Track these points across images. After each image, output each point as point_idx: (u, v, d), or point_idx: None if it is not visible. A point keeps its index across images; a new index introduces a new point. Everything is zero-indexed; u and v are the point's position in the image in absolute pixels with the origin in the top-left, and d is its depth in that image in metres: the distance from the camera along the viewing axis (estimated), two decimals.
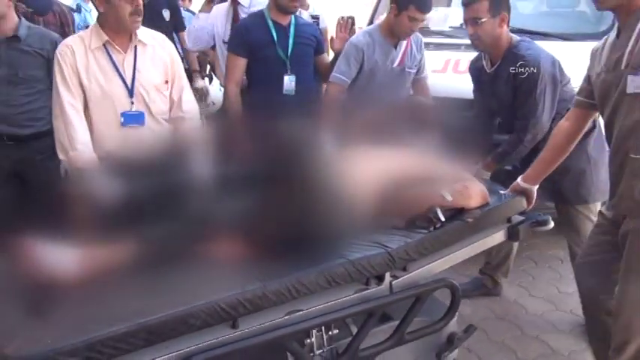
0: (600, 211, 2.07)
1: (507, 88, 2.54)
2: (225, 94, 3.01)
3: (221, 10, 3.34)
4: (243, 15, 3.23)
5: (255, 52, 2.93)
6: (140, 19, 2.28)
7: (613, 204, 1.91)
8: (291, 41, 2.94)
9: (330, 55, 3.29)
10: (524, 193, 2.19)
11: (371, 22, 4.08)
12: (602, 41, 1.97)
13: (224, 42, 3.27)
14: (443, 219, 1.87)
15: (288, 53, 2.93)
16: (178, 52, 3.69)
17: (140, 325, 1.37)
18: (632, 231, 1.81)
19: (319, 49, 3.13)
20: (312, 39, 3.06)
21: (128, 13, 2.22)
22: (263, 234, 1.67)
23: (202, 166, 1.80)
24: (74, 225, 1.61)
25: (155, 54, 2.40)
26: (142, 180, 1.71)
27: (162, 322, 1.40)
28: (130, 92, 2.31)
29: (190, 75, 3.77)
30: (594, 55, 1.99)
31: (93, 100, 2.29)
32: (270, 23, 2.92)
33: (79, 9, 4.47)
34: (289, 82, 2.90)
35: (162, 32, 3.57)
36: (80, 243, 1.58)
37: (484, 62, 2.67)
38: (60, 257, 1.53)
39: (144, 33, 2.38)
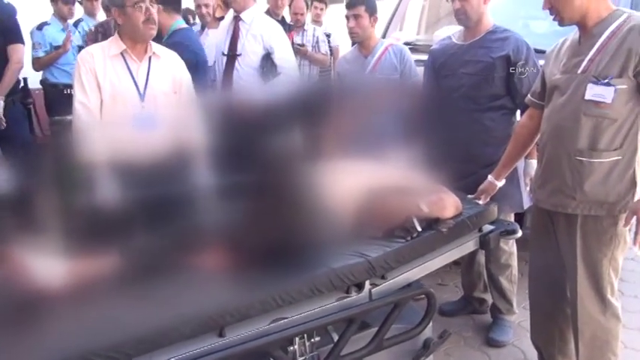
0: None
1: (482, 60, 2.56)
2: None
3: (224, 24, 3.42)
4: (244, 30, 3.31)
5: None
6: (154, 27, 2.49)
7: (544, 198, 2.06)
8: None
9: None
10: (490, 189, 2.33)
11: (383, 36, 4.20)
12: (559, 44, 2.10)
13: (223, 54, 3.36)
14: (419, 229, 1.95)
15: None
16: None
17: (129, 335, 1.40)
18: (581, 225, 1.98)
19: None
20: None
21: (142, 22, 2.43)
22: (249, 245, 1.72)
23: (194, 176, 1.84)
24: (58, 234, 1.62)
25: (167, 66, 2.60)
26: (136, 187, 1.74)
27: (151, 332, 1.42)
28: (142, 97, 2.50)
29: None
30: (550, 56, 2.11)
31: (107, 101, 2.47)
32: None
33: (40, 27, 4.44)
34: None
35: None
36: (67, 252, 1.59)
37: (453, 38, 2.71)
38: (46, 267, 1.54)
39: (159, 48, 2.61)
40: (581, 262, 1.99)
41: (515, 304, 2.83)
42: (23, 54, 3.60)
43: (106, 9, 4.13)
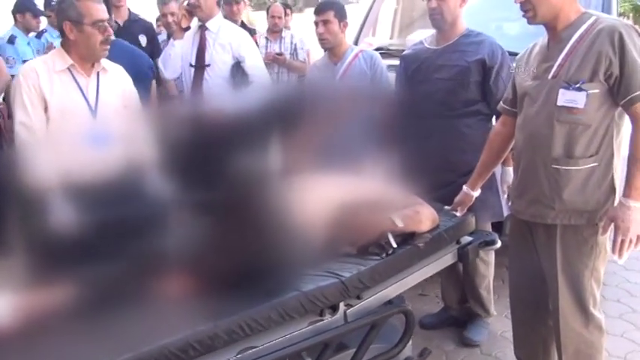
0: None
1: (457, 64, 2.49)
2: None
3: (189, 34, 3.30)
4: (210, 40, 3.20)
5: None
6: (108, 47, 2.38)
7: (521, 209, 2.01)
8: None
9: None
10: (466, 200, 2.26)
11: (355, 42, 4.12)
12: (528, 49, 2.05)
13: (191, 65, 3.24)
14: (395, 245, 1.87)
15: None
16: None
17: None
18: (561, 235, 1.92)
19: None
20: None
21: (99, 42, 2.31)
22: (213, 268, 1.61)
23: (152, 195, 1.73)
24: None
25: (115, 80, 2.49)
26: (91, 209, 1.63)
27: None
28: (94, 113, 2.38)
29: None
30: (520, 62, 2.06)
31: (55, 118, 2.31)
32: None
33: (12, 41, 4.24)
34: None
35: None
36: (11, 285, 1.47)
37: (425, 43, 2.63)
38: None
39: (106, 62, 2.47)
40: (562, 274, 1.92)
41: (492, 309, 2.79)
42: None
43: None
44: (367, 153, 2.08)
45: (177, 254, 1.63)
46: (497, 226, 2.68)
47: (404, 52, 2.77)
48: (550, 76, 1.88)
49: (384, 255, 1.85)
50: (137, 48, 3.11)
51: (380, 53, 3.10)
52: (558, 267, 1.92)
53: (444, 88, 2.52)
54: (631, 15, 16.21)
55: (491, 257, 2.68)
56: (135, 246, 1.59)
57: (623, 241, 1.78)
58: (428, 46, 2.61)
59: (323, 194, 1.85)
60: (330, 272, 1.75)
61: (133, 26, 3.58)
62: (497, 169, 2.54)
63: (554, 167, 1.88)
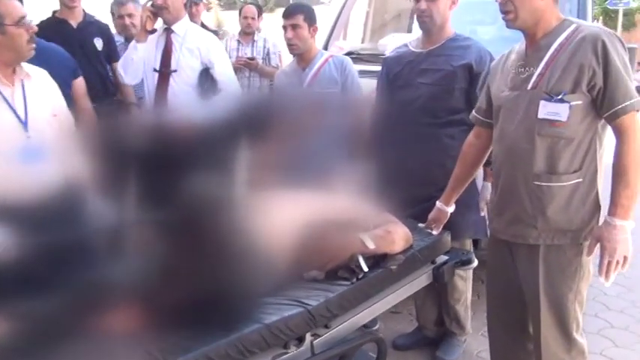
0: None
1: (442, 69, 2.35)
2: None
3: (152, 38, 3.05)
4: (177, 44, 2.98)
5: None
6: (34, 46, 2.16)
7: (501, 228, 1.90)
8: None
9: None
10: (440, 216, 2.13)
11: (325, 46, 3.94)
12: (504, 57, 1.93)
13: (155, 70, 3.01)
14: (366, 269, 1.73)
15: None
16: (109, 83, 3.41)
17: None
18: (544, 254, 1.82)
19: None
20: None
21: (25, 41, 2.12)
22: (161, 300, 1.43)
23: (95, 216, 1.55)
24: None
25: (41, 87, 2.24)
26: (27, 233, 1.46)
27: None
28: (25, 125, 2.14)
29: (127, 108, 3.43)
30: (495, 70, 1.95)
31: None
32: None
33: None
34: None
35: (94, 63, 3.30)
36: None
37: (410, 46, 2.49)
38: None
39: (28, 67, 2.23)
40: (544, 297, 1.81)
41: (468, 326, 2.67)
42: None
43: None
44: (337, 167, 1.93)
45: (121, 283, 1.45)
46: (474, 240, 2.56)
47: (387, 55, 2.61)
48: (529, 87, 1.77)
49: (354, 280, 1.71)
50: (56, 45, 2.81)
51: (351, 58, 2.94)
52: (540, 289, 1.81)
53: (427, 93, 2.36)
54: (601, 18, 16.51)
55: (469, 272, 2.56)
56: (73, 275, 1.42)
57: (609, 263, 1.68)
58: (413, 49, 2.46)
59: (288, 213, 1.70)
60: (295, 300, 1.61)
61: (88, 28, 3.32)
62: (480, 183, 2.42)
63: (536, 184, 1.77)
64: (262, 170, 1.74)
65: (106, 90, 3.37)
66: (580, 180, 1.76)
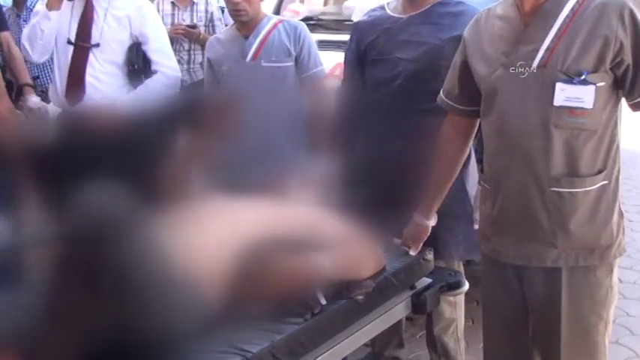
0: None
1: (426, 42, 1.95)
2: None
3: (66, 4, 2.58)
4: (100, 11, 2.53)
5: None
6: None
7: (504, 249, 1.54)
8: None
9: None
10: (419, 232, 1.74)
11: (277, 12, 3.48)
12: (480, 21, 1.56)
13: (69, 42, 2.56)
14: (324, 302, 1.39)
15: None
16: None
17: None
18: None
19: None
20: None
21: None
22: (49, 352, 1.14)
23: None
24: None
25: None
26: None
27: None
28: None
29: (20, 90, 2.94)
30: (471, 39, 1.57)
31: None
32: None
33: None
34: None
35: None
36: None
37: (387, 9, 2.05)
38: None
39: None
40: (567, 332, 1.46)
41: None
42: None
43: None
44: (290, 167, 1.60)
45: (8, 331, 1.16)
46: None
47: (358, 20, 2.19)
48: (536, 65, 1.42)
49: (308, 316, 1.38)
50: None
51: (309, 25, 2.54)
52: (563, 323, 1.46)
53: (407, 72, 1.94)
54: None
55: (461, 297, 2.18)
56: None
57: None
58: (391, 13, 2.03)
59: (222, 230, 1.36)
60: (233, 347, 1.29)
61: None
62: (473, 188, 2.02)
63: (555, 190, 1.42)
64: (190, 173, 1.39)
65: None
66: (606, 182, 1.44)
